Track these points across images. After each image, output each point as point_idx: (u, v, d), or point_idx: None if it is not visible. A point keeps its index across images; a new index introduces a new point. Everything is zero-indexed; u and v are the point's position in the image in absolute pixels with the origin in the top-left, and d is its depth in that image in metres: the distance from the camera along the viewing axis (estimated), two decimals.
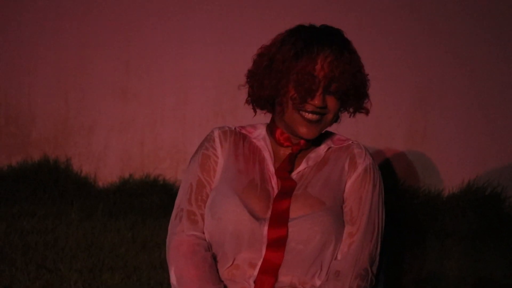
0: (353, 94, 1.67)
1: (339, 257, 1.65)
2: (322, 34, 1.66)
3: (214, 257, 1.67)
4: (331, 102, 1.65)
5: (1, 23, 4.26)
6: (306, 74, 1.61)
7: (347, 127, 1.85)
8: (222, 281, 1.64)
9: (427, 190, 3.82)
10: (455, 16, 3.82)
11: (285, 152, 1.73)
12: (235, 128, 1.79)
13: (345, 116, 1.80)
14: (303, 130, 1.66)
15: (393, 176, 3.80)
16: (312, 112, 1.64)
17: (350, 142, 1.77)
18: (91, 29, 4.18)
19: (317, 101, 1.62)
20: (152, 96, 4.16)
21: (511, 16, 3.80)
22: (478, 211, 3.60)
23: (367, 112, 1.74)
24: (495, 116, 3.83)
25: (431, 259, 3.15)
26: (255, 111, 1.76)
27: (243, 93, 1.78)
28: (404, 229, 3.32)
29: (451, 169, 3.86)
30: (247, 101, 1.76)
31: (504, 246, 3.29)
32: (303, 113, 1.65)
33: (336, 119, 1.72)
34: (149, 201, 3.87)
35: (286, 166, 1.70)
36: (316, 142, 1.75)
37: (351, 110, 1.73)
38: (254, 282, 1.61)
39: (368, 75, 1.71)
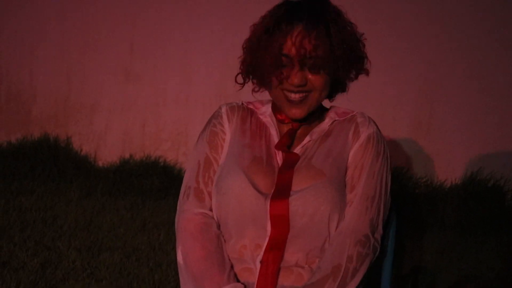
0: (342, 64, 1.58)
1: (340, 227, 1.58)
2: (298, 8, 1.59)
3: (222, 235, 1.63)
4: (314, 78, 1.58)
5: (5, 1, 4.23)
6: (278, 54, 1.56)
7: None
8: (230, 261, 1.59)
9: (429, 181, 3.80)
10: (462, 8, 3.78)
11: (288, 128, 1.69)
12: (242, 103, 1.76)
13: (348, 101, 1.76)
14: (291, 112, 1.62)
15: (396, 165, 3.78)
16: (294, 92, 1.59)
17: (355, 113, 1.71)
18: (96, 8, 4.15)
19: (295, 80, 1.57)
20: (155, 77, 4.13)
21: None
22: (480, 203, 3.58)
23: (367, 73, 1.65)
24: (500, 108, 3.81)
25: (431, 250, 3.14)
26: (242, 85, 1.70)
27: None
28: (405, 218, 3.30)
29: (454, 160, 3.83)
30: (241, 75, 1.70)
31: (505, 238, 3.28)
32: (287, 93, 1.60)
33: (327, 94, 1.64)
34: (149, 182, 3.85)
35: (285, 141, 1.66)
36: (320, 116, 1.71)
37: (352, 76, 1.65)
38: (260, 262, 1.56)
39: (363, 34, 1.62)
